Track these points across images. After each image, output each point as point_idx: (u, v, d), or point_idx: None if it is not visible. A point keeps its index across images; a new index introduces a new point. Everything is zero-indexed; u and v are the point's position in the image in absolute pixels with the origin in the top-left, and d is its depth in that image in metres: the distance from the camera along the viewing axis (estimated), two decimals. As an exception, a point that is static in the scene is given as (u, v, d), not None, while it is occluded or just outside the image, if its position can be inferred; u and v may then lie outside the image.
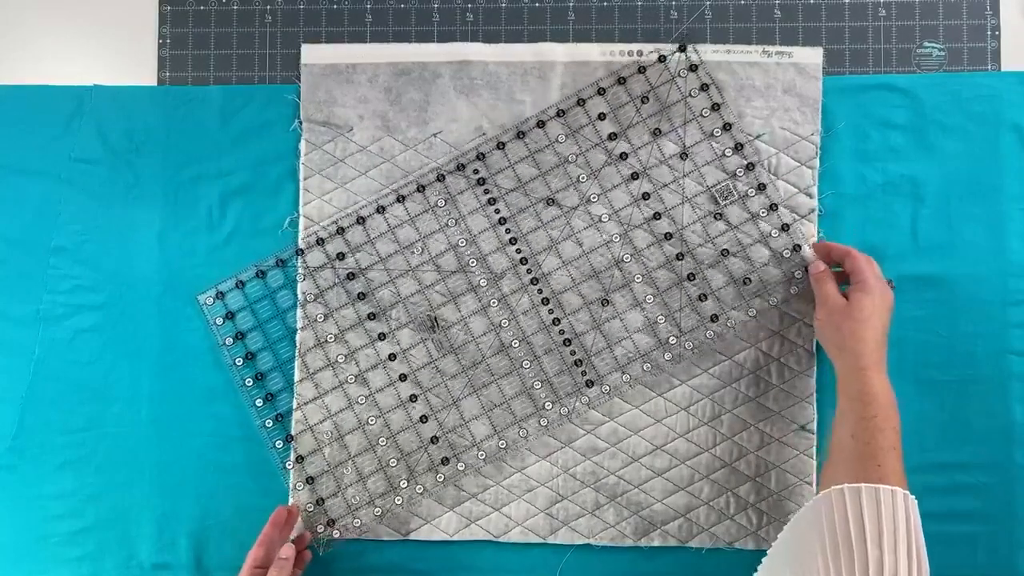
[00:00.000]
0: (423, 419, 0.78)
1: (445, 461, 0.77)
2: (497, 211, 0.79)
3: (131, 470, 0.79)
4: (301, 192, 0.79)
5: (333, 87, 0.80)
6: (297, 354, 0.78)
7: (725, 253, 0.77)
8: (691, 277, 0.77)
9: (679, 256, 0.78)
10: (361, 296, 0.78)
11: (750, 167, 0.77)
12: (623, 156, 0.78)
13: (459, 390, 0.78)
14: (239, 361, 0.78)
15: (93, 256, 0.80)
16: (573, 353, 0.78)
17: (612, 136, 0.78)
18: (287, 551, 0.71)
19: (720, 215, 0.78)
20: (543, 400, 0.77)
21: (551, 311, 0.78)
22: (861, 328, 0.68)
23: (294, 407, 0.78)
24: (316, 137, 0.80)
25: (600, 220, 0.78)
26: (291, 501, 0.78)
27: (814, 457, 0.77)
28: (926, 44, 0.80)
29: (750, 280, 0.77)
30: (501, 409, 0.78)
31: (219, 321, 0.79)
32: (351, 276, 0.78)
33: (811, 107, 0.78)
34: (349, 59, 0.80)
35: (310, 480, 0.77)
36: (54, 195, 0.81)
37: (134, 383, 0.80)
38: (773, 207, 0.77)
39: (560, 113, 0.78)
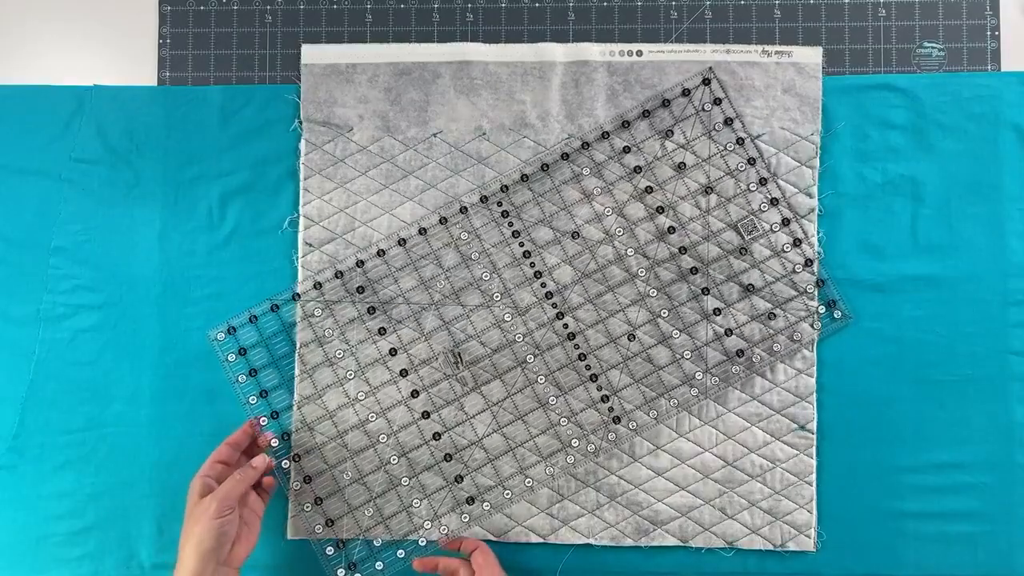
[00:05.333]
0: (447, 458, 0.77)
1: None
2: (521, 244, 0.78)
3: (131, 470, 0.79)
4: (301, 192, 0.79)
5: (333, 87, 0.80)
6: (297, 369, 0.78)
7: (750, 289, 0.77)
8: (717, 312, 0.77)
9: (704, 291, 0.77)
10: (382, 331, 0.78)
11: (774, 202, 0.77)
12: (648, 190, 0.78)
13: (483, 428, 0.77)
14: (253, 400, 0.79)
15: (93, 256, 0.80)
16: (600, 388, 0.77)
17: (637, 169, 0.78)
18: (260, 461, 0.72)
19: (745, 250, 0.77)
20: (569, 437, 0.77)
21: (577, 346, 0.78)
22: None
23: (294, 404, 0.78)
24: (316, 137, 0.80)
25: (626, 254, 0.78)
26: (291, 502, 0.78)
27: (814, 457, 0.77)
28: (926, 44, 0.80)
29: (775, 316, 0.77)
30: (526, 448, 0.77)
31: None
32: (371, 310, 0.78)
33: (811, 107, 0.78)
34: (349, 59, 0.80)
35: (308, 479, 0.77)
36: (54, 195, 0.81)
37: (134, 383, 0.80)
38: (797, 242, 0.77)
39: (585, 146, 0.78)
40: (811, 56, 0.79)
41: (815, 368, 0.77)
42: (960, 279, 0.78)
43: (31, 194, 0.81)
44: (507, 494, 0.77)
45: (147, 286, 0.80)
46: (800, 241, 0.77)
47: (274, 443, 0.77)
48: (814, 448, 0.77)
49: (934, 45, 0.80)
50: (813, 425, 0.77)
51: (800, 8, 0.81)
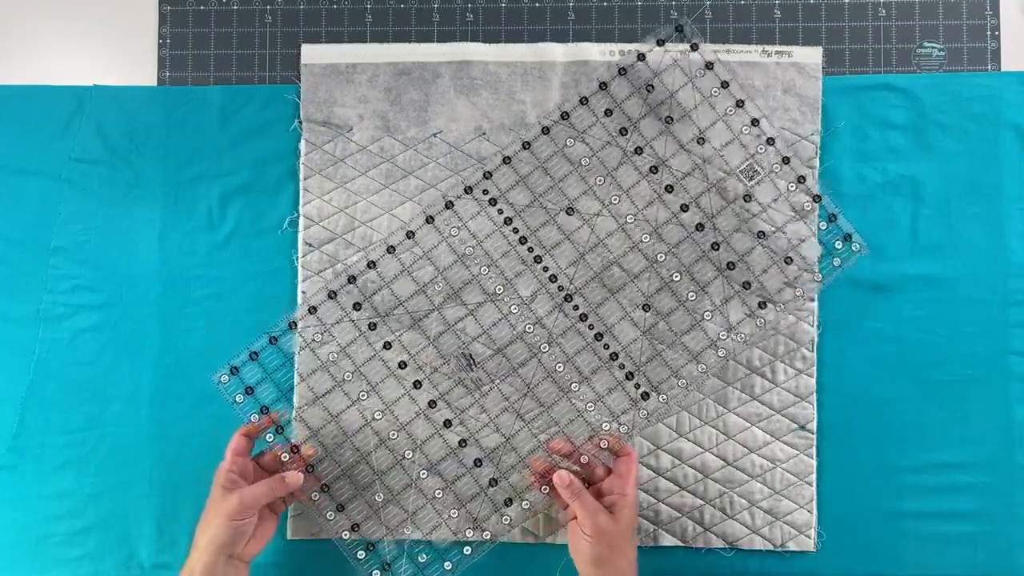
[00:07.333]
0: (477, 463, 0.75)
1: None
2: (516, 230, 0.76)
3: (131, 470, 0.79)
4: (301, 192, 0.79)
5: (333, 87, 0.80)
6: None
7: (762, 235, 0.75)
8: (731, 266, 0.75)
9: (715, 246, 0.75)
10: (387, 346, 0.76)
11: (771, 141, 0.75)
12: (638, 150, 0.75)
13: (508, 427, 0.75)
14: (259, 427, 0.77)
15: (93, 256, 0.80)
16: (622, 367, 0.75)
17: (623, 131, 0.76)
18: (294, 479, 0.70)
19: (750, 196, 0.75)
20: (599, 422, 0.75)
21: (591, 326, 0.75)
22: (629, 547, 0.68)
23: (293, 416, 0.78)
24: (316, 137, 0.80)
25: (626, 221, 0.76)
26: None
27: (814, 457, 0.77)
28: (926, 44, 0.80)
29: (791, 260, 0.74)
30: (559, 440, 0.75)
31: (239, 399, 0.76)
32: (372, 326, 0.76)
33: (811, 107, 0.78)
34: (349, 59, 0.80)
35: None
36: (54, 195, 0.81)
37: (134, 383, 0.80)
38: (801, 179, 0.75)
39: (564, 116, 0.77)
40: (811, 56, 0.79)
41: (815, 368, 0.77)
42: (960, 279, 0.78)
43: (31, 194, 0.81)
44: (544, 489, 0.74)
45: (147, 286, 0.80)
46: (804, 179, 0.75)
47: (284, 457, 0.74)
48: (814, 448, 0.77)
49: (934, 45, 0.80)
50: (813, 425, 0.77)
51: (800, 8, 0.81)
